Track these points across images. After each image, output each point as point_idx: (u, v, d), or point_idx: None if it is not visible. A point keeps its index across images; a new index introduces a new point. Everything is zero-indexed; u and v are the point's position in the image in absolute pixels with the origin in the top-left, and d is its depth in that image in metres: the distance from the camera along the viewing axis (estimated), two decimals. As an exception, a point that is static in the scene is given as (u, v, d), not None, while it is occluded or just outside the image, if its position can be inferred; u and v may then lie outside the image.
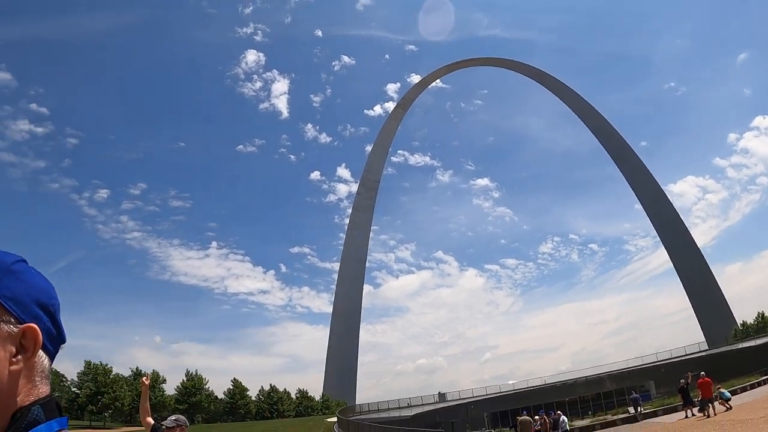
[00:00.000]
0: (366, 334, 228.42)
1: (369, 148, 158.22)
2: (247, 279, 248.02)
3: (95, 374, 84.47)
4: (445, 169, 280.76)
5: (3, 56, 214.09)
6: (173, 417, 7.81)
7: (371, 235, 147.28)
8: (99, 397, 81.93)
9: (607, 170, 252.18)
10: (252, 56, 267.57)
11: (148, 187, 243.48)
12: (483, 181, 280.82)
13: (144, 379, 8.65)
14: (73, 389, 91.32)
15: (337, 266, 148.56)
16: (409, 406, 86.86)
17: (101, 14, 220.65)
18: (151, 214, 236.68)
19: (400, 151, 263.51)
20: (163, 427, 7.70)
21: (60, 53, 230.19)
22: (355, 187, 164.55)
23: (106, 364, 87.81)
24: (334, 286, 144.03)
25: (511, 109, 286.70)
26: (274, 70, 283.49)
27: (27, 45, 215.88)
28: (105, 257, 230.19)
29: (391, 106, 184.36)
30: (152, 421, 8.16)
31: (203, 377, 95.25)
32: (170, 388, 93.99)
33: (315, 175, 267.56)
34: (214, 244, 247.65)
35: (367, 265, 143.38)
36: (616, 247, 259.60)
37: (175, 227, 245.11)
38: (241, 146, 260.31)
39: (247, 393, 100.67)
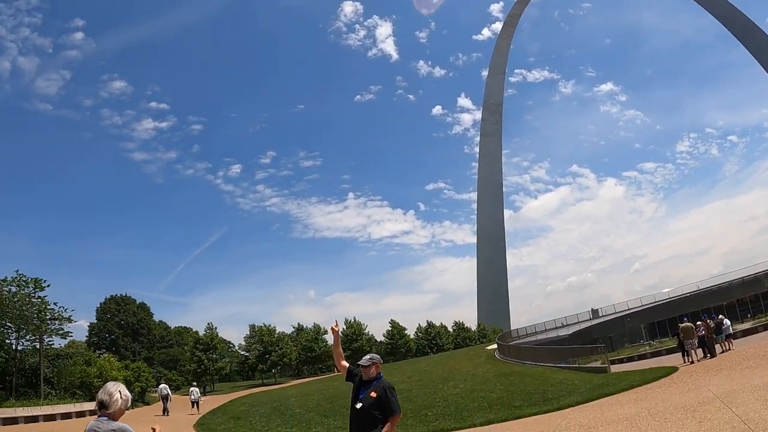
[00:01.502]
0: (512, 258, 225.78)
1: (485, 73, 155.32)
2: (388, 223, 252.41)
3: (260, 335, 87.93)
4: (566, 80, 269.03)
5: (115, 67, 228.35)
6: (368, 356, 7.87)
7: (503, 159, 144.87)
8: (267, 356, 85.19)
9: (736, 54, 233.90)
10: (349, 7, 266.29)
11: (277, 154, 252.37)
12: (607, 87, 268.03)
13: (333, 326, 8.47)
14: (242, 353, 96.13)
15: (474, 196, 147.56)
16: (564, 326, 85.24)
17: (190, 5, 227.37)
18: (285, 178, 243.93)
19: (516, 70, 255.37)
20: (360, 367, 7.80)
21: (164, 52, 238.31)
22: (478, 115, 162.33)
23: (270, 325, 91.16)
24: (474, 217, 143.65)
25: (623, 6, 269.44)
26: (374, 16, 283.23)
27: (132, 52, 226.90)
28: (250, 227, 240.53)
29: (498, 26, 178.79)
30: (347, 364, 8.23)
31: (362, 323, 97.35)
32: (331, 338, 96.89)
33: (437, 110, 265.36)
34: (350, 195, 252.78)
35: (504, 189, 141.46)
36: (756, 135, 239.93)
37: (311, 186, 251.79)
38: (358, 96, 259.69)
39: (405, 332, 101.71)
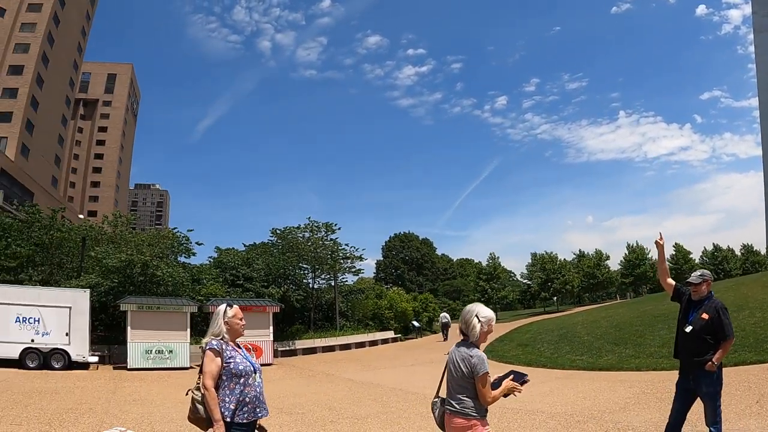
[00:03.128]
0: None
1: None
2: (663, 139, 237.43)
3: (542, 263, 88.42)
4: None
5: (367, 24, 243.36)
6: (698, 272, 7.36)
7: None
8: (549, 283, 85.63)
9: None
10: None
11: (540, 80, 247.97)
12: None
13: (658, 239, 7.63)
14: (523, 281, 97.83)
15: (755, 102, 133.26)
16: None
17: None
18: (552, 103, 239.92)
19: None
20: (689, 285, 7.34)
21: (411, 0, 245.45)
22: (747, 9, 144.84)
23: (551, 252, 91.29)
24: (757, 126, 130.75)
25: None
26: None
27: (380, 7, 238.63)
28: (522, 156, 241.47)
29: None
30: (673, 282, 7.63)
31: (644, 247, 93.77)
32: (613, 264, 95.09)
33: (700, 9, 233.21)
34: (621, 113, 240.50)
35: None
36: None
37: (579, 109, 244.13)
38: (614, 8, 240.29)
39: (690, 256, 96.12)
